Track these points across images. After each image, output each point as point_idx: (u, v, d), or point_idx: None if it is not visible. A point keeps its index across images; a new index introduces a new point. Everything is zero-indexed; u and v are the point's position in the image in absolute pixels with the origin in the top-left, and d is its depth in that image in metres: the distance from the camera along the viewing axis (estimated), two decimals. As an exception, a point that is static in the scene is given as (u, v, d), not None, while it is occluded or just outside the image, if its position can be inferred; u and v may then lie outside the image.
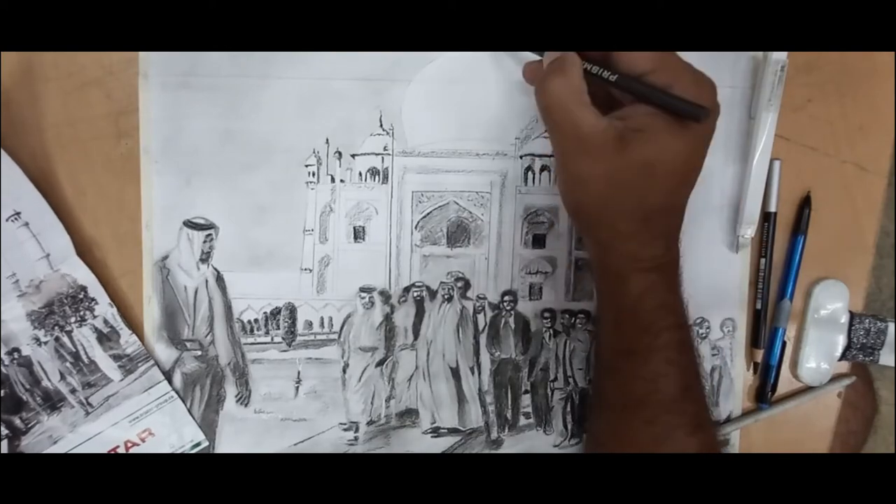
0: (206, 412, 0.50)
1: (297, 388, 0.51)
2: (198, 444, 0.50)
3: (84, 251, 0.49)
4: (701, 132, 0.40)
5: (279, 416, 0.51)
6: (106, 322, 0.49)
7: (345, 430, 0.51)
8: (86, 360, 0.49)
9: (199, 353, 0.50)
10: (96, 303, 0.49)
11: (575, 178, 0.41)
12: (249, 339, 0.51)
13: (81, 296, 0.48)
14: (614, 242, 0.42)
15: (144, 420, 0.49)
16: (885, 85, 0.51)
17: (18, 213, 0.47)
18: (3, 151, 0.47)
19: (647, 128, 0.39)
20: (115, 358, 0.49)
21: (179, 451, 0.50)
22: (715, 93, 0.41)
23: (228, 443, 0.51)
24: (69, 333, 0.49)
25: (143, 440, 0.49)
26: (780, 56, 0.48)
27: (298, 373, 0.51)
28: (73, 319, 0.48)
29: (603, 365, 0.46)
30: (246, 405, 0.51)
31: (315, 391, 0.51)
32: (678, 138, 0.39)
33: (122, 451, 0.49)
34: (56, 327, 0.48)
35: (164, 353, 0.50)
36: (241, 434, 0.51)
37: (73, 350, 0.49)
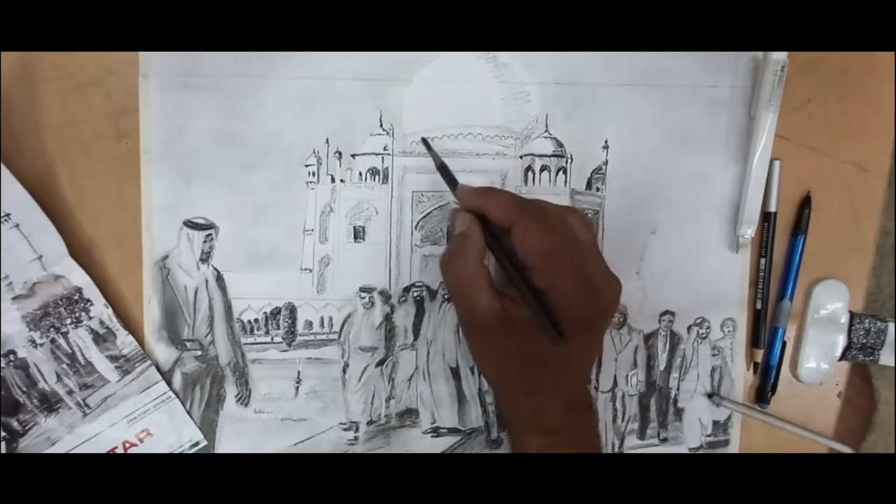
0: (206, 412, 0.50)
1: (297, 388, 0.51)
2: (196, 444, 0.50)
3: (83, 251, 0.49)
4: (596, 329, 0.42)
5: (279, 416, 0.51)
6: (102, 323, 0.49)
7: (345, 430, 0.51)
8: (82, 362, 0.49)
9: (199, 353, 0.50)
10: (92, 304, 0.49)
11: (474, 351, 0.45)
12: (249, 339, 0.51)
13: (76, 297, 0.48)
14: (511, 407, 0.46)
15: (142, 420, 0.49)
16: (885, 85, 0.51)
17: (8, 215, 0.47)
18: None
19: (533, 320, 0.39)
20: (112, 359, 0.49)
21: (178, 451, 0.50)
22: (606, 298, 0.41)
23: (228, 443, 0.51)
24: (65, 335, 0.49)
25: (141, 440, 0.49)
26: (780, 56, 0.48)
27: (298, 373, 0.51)
28: (68, 321, 0.48)
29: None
30: (246, 405, 0.51)
31: (315, 391, 0.51)
32: (569, 337, 0.39)
33: (120, 451, 0.49)
34: (52, 329, 0.48)
35: (164, 353, 0.50)
36: (241, 434, 0.51)
37: (70, 351, 0.49)
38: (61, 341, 0.49)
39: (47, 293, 0.48)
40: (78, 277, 0.48)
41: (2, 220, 0.47)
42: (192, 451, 0.50)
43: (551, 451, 0.43)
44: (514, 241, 0.40)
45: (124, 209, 0.49)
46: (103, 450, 0.49)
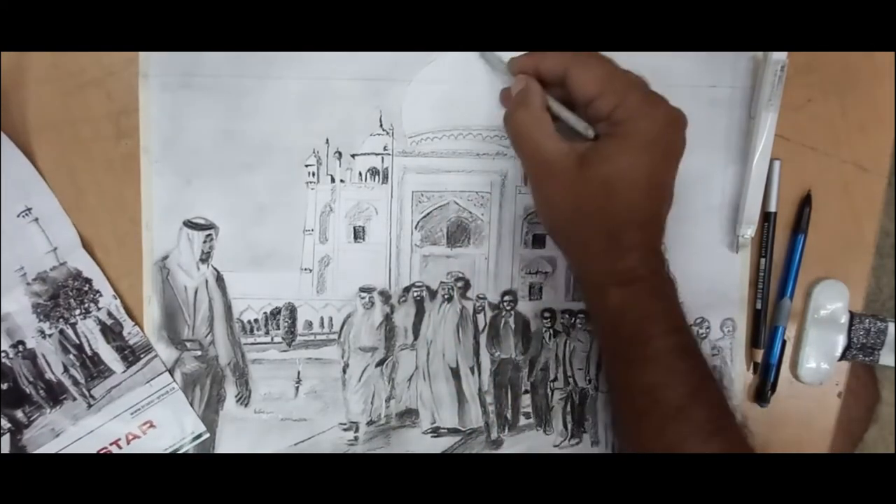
0: (207, 412, 0.50)
1: (297, 388, 0.51)
2: (199, 436, 0.50)
3: (83, 246, 0.49)
4: (655, 149, 0.41)
5: (279, 416, 0.51)
6: (110, 314, 0.49)
7: (345, 430, 0.51)
8: (89, 353, 0.49)
9: (199, 353, 0.50)
10: (101, 295, 0.49)
11: (545, 201, 0.44)
12: (249, 339, 0.51)
13: (86, 288, 0.49)
14: (587, 259, 0.44)
15: (146, 412, 0.49)
16: (885, 85, 0.51)
17: (29, 209, 0.48)
18: (16, 148, 0.47)
19: (605, 149, 0.41)
20: (118, 350, 0.49)
21: (181, 443, 0.50)
22: (666, 110, 0.42)
23: (228, 443, 0.51)
24: (73, 326, 0.49)
25: (144, 432, 0.50)
26: (780, 56, 0.48)
27: (298, 373, 0.51)
28: (77, 312, 0.49)
29: (607, 377, 0.47)
30: (246, 405, 0.51)
31: (315, 391, 0.51)
32: (632, 156, 0.41)
33: (123, 443, 0.49)
34: (61, 320, 0.49)
35: (164, 353, 0.50)
36: (241, 434, 0.51)
37: (77, 342, 0.49)
38: (69, 332, 0.49)
39: (58, 284, 0.48)
40: (88, 268, 0.49)
41: (21, 213, 0.48)
42: (195, 443, 0.50)
43: (632, 302, 0.42)
44: (573, 82, 0.42)
45: (124, 209, 0.49)
46: (107, 442, 0.49)
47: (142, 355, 0.49)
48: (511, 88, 0.45)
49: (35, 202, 0.48)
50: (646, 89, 0.42)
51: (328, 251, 0.51)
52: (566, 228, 0.44)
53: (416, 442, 0.51)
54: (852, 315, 0.52)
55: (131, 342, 0.49)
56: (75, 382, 0.49)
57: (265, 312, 0.51)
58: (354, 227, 0.51)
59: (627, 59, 0.50)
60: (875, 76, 0.51)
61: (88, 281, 0.49)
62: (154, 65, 0.49)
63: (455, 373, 0.52)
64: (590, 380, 0.52)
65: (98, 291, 0.49)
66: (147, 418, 0.49)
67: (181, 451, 0.50)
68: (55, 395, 0.49)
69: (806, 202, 0.51)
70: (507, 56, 0.47)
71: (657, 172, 0.42)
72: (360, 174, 0.51)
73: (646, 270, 0.42)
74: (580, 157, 0.41)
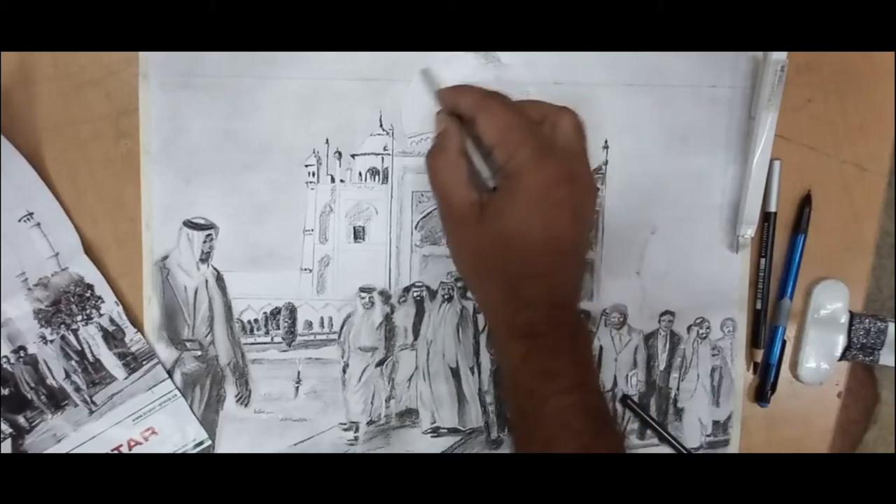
0: (206, 412, 0.50)
1: (297, 388, 0.51)
2: (200, 443, 0.50)
3: (84, 251, 0.49)
4: (546, 205, 0.40)
5: (279, 416, 0.51)
6: (111, 321, 0.49)
7: (345, 430, 0.51)
8: (91, 359, 0.49)
9: (199, 353, 0.50)
10: (102, 301, 0.49)
11: (452, 248, 0.44)
12: (249, 339, 0.51)
13: (88, 294, 0.48)
14: (489, 309, 0.44)
15: (148, 419, 0.49)
16: (885, 85, 0.51)
17: (31, 214, 0.48)
18: (18, 153, 0.47)
19: (500, 202, 0.40)
20: (120, 356, 0.49)
21: (182, 450, 0.50)
22: (559, 166, 0.40)
23: (228, 443, 0.51)
24: (75, 332, 0.49)
25: (146, 439, 0.50)
26: (780, 56, 0.48)
27: (298, 373, 0.51)
28: (79, 318, 0.49)
29: (509, 421, 0.48)
30: (246, 405, 0.51)
31: (315, 391, 0.51)
32: (524, 212, 0.40)
33: (125, 450, 0.49)
34: (62, 325, 0.49)
35: (164, 353, 0.50)
36: (241, 434, 0.51)
37: (79, 348, 0.49)
38: (71, 338, 0.49)
39: (60, 289, 0.48)
40: (90, 274, 0.49)
41: (23, 218, 0.48)
42: (196, 450, 0.50)
43: (532, 357, 0.41)
44: (478, 128, 0.41)
45: (124, 209, 0.49)
46: (108, 448, 0.49)
47: (144, 362, 0.49)
48: (434, 128, 0.44)
49: (37, 207, 0.48)
50: (541, 143, 0.40)
51: (328, 251, 0.51)
52: (470, 277, 0.44)
53: (416, 442, 0.51)
54: (852, 315, 0.52)
55: (133, 349, 0.49)
56: (77, 388, 0.49)
57: (265, 312, 0.51)
58: (354, 227, 0.51)
59: (627, 59, 0.50)
60: (875, 76, 0.51)
61: (90, 287, 0.49)
62: (154, 65, 0.49)
63: (455, 373, 0.52)
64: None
65: (100, 297, 0.49)
66: (149, 425, 0.50)
67: (181, 452, 0.50)
68: (57, 400, 0.49)
69: (806, 202, 0.51)
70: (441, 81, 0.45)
71: (551, 227, 0.40)
72: (360, 174, 0.51)
73: (547, 326, 0.41)
74: (481, 208, 0.41)
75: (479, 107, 0.41)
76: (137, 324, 0.50)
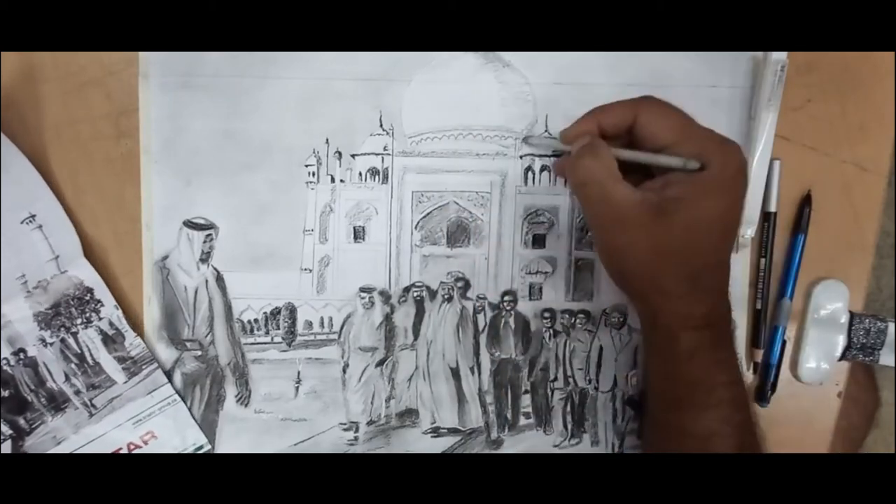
0: (206, 412, 0.50)
1: (297, 388, 0.51)
2: (200, 447, 0.50)
3: (84, 251, 0.49)
4: (734, 191, 0.42)
5: (279, 416, 0.51)
6: (111, 324, 0.49)
7: (345, 430, 0.51)
8: (90, 362, 0.49)
9: (199, 353, 0.50)
10: (102, 304, 0.49)
11: (616, 249, 0.43)
12: (249, 339, 0.51)
13: (88, 297, 0.48)
14: (664, 304, 0.43)
15: (147, 423, 0.49)
16: (885, 85, 0.51)
17: (34, 216, 0.48)
18: (21, 154, 0.47)
19: (685, 195, 0.41)
20: (120, 360, 0.49)
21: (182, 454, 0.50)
22: (740, 152, 0.42)
23: (228, 443, 0.51)
24: (75, 335, 0.49)
25: (145, 442, 0.50)
26: (780, 56, 0.48)
27: (298, 373, 0.51)
28: (79, 321, 0.49)
29: (652, 419, 0.47)
30: (246, 405, 0.51)
31: (315, 391, 0.51)
32: (715, 199, 0.41)
33: (125, 453, 0.49)
34: (62, 328, 0.49)
35: (164, 353, 0.50)
36: (241, 434, 0.51)
37: (79, 352, 0.49)
38: (71, 341, 0.49)
39: (59, 292, 0.48)
40: (90, 278, 0.49)
41: (25, 220, 0.48)
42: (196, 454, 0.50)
43: (704, 350, 0.42)
44: (644, 130, 0.42)
45: (124, 209, 0.49)
46: (108, 451, 0.49)
47: (143, 366, 0.49)
48: (573, 147, 0.44)
49: (39, 208, 0.48)
50: (718, 134, 0.42)
51: (328, 251, 0.51)
52: (642, 275, 0.43)
53: (416, 442, 0.51)
54: (852, 315, 0.52)
55: (133, 353, 0.49)
56: (77, 391, 0.49)
57: (265, 312, 0.51)
58: (354, 227, 0.51)
59: (628, 60, 0.50)
60: (875, 76, 0.51)
61: (90, 290, 0.49)
62: (154, 65, 0.49)
63: (455, 373, 0.52)
64: (590, 380, 0.52)
65: (99, 301, 0.49)
66: (148, 429, 0.50)
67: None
68: (56, 403, 0.49)
69: (806, 202, 0.51)
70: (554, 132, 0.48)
71: (732, 214, 0.43)
72: (360, 174, 0.51)
73: (718, 316, 0.43)
74: (657, 205, 0.41)
75: (638, 110, 0.42)
76: (137, 324, 0.50)
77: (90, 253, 0.49)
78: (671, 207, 0.40)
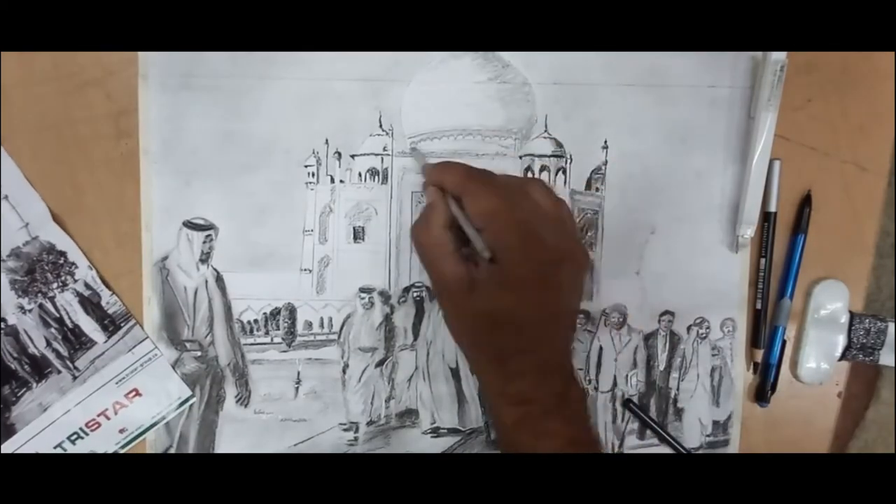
0: (206, 413, 0.50)
1: (297, 389, 0.51)
2: (185, 401, 0.50)
3: (84, 251, 0.49)
4: (526, 290, 0.41)
5: (279, 417, 0.51)
6: (87, 285, 0.49)
7: (345, 430, 0.51)
8: (70, 325, 0.49)
9: (199, 353, 0.50)
10: (76, 267, 0.49)
11: (445, 316, 0.46)
12: (249, 340, 0.51)
13: (61, 261, 0.49)
14: (481, 377, 0.46)
15: (131, 380, 0.50)
16: (885, 85, 0.51)
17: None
18: None
19: (484, 281, 0.41)
20: (98, 319, 0.49)
21: (167, 409, 0.50)
22: (548, 250, 0.41)
23: (228, 443, 0.51)
24: (52, 299, 0.49)
25: (131, 401, 0.50)
26: (779, 56, 0.48)
27: (298, 373, 0.51)
28: (54, 285, 0.49)
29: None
30: (246, 406, 0.51)
31: (315, 391, 0.51)
32: (506, 292, 0.41)
33: (111, 413, 0.49)
34: (39, 294, 0.49)
35: (165, 353, 0.50)
36: (241, 434, 0.51)
37: (57, 315, 0.49)
38: (49, 306, 0.49)
39: (33, 258, 0.48)
40: (61, 241, 0.49)
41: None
42: (182, 408, 0.50)
43: (525, 423, 0.42)
44: (465, 209, 0.42)
45: (124, 209, 0.49)
46: (94, 413, 0.49)
47: (122, 324, 0.50)
48: (425, 195, 0.46)
49: (3, 181, 0.48)
50: (527, 227, 0.41)
51: (328, 251, 0.51)
52: (462, 346, 0.46)
53: (416, 442, 0.51)
54: (852, 315, 0.52)
55: (110, 311, 0.49)
56: (59, 356, 0.49)
57: (265, 313, 0.51)
58: (354, 228, 0.51)
59: (627, 59, 0.50)
60: (875, 76, 0.51)
61: (63, 254, 0.49)
62: (154, 65, 0.49)
63: (455, 373, 0.52)
64: (589, 380, 0.52)
65: (73, 263, 0.49)
66: (132, 386, 0.50)
67: (169, 418, 0.50)
68: (40, 369, 0.49)
69: (806, 202, 0.51)
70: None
71: (542, 308, 0.42)
72: (360, 174, 0.51)
73: (539, 393, 0.42)
74: (471, 284, 0.42)
75: (462, 189, 0.43)
76: (113, 287, 0.50)
77: (90, 253, 0.49)
78: (478, 291, 0.42)
